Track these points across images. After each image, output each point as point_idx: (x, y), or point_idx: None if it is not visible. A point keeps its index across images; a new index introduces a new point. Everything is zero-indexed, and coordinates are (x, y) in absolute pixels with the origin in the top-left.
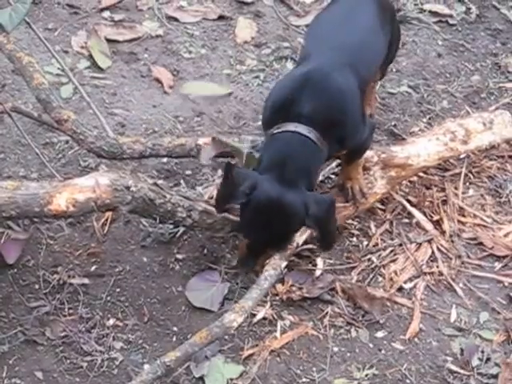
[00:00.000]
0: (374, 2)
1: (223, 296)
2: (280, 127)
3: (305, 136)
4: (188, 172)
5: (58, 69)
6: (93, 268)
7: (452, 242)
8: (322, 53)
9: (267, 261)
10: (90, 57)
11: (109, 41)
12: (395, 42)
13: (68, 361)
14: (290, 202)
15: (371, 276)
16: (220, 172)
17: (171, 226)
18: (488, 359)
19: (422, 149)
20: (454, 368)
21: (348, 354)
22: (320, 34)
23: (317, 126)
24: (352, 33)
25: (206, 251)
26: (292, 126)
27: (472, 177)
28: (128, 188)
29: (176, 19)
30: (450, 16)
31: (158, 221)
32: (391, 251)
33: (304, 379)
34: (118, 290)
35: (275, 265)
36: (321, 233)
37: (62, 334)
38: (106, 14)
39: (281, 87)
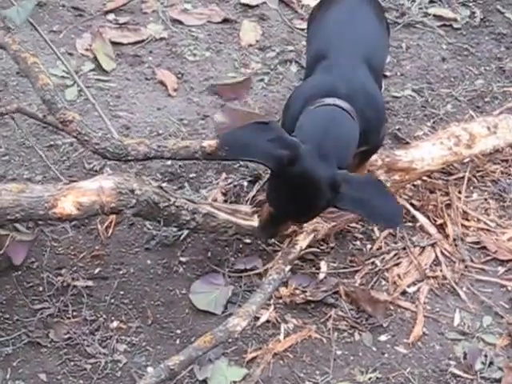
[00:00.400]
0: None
1: (227, 299)
2: (320, 102)
3: (345, 110)
4: (192, 175)
5: (63, 71)
6: (97, 270)
7: (456, 245)
8: (339, 53)
9: (287, 230)
10: (95, 59)
11: (113, 43)
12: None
13: (72, 363)
14: (324, 178)
15: (375, 279)
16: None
17: (175, 229)
18: (491, 363)
19: (426, 153)
20: (457, 372)
21: (351, 358)
22: (331, 34)
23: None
24: (362, 33)
25: (209, 254)
26: (331, 100)
27: (476, 181)
28: (132, 191)
29: (180, 22)
30: (455, 20)
31: (162, 224)
32: (395, 255)
33: (307, 382)
34: (121, 292)
35: (279, 269)
36: (364, 212)
37: (66, 336)
38: (111, 16)
39: (308, 82)
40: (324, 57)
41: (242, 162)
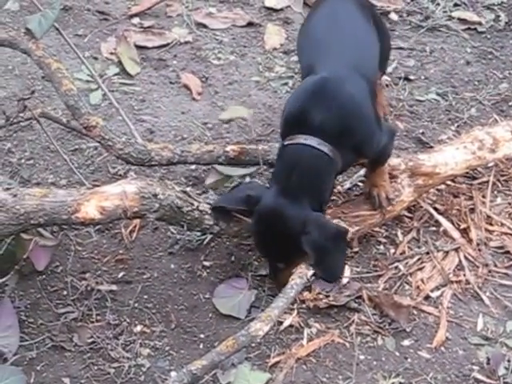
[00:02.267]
0: (353, 3)
1: (250, 303)
2: (291, 139)
3: (316, 148)
4: None
5: (88, 75)
6: (120, 274)
7: (479, 250)
8: (326, 62)
9: (292, 275)
10: (120, 63)
11: (138, 47)
12: (385, 36)
13: (95, 367)
14: (288, 216)
15: (398, 284)
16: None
17: (199, 234)
18: None
19: (450, 157)
20: (480, 377)
21: (374, 363)
22: (316, 45)
23: (329, 136)
24: (345, 35)
25: (233, 258)
26: (302, 139)
27: (500, 185)
28: (155, 196)
29: (205, 26)
30: (479, 23)
31: (185, 228)
32: (418, 259)
33: None
34: (145, 296)
35: (301, 273)
36: (317, 259)
37: (90, 341)
38: (136, 20)
39: (293, 99)
40: (311, 70)
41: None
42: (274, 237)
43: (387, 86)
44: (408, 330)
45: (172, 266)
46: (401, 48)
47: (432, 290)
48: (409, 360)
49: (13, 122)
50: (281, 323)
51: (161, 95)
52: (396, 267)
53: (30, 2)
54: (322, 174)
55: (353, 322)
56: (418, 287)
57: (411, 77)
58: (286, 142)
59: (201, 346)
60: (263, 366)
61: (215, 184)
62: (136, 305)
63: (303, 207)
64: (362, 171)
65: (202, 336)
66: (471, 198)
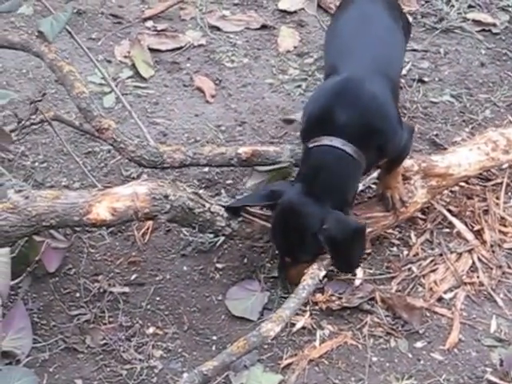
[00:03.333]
0: (383, 3)
1: (263, 305)
2: (316, 141)
3: (340, 150)
4: (229, 181)
5: (101, 78)
6: (133, 276)
7: (493, 252)
8: (349, 62)
9: (301, 274)
10: (133, 66)
11: (151, 50)
12: (407, 34)
13: (108, 369)
14: (305, 213)
15: (411, 286)
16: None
17: (211, 236)
18: None
19: (463, 158)
20: (493, 379)
21: (387, 364)
22: (341, 45)
23: (353, 137)
24: (373, 37)
25: (245, 260)
26: (327, 140)
27: None
28: (167, 197)
29: (218, 28)
30: (494, 25)
31: (197, 230)
32: (431, 261)
33: None
34: (158, 298)
35: (313, 274)
36: (334, 254)
37: (102, 342)
38: (149, 23)
39: (315, 100)
40: (334, 70)
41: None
42: (290, 231)
43: (401, 87)
44: (421, 331)
45: (184, 268)
46: (415, 50)
47: (445, 292)
48: (422, 362)
49: (26, 125)
50: (293, 325)
51: (174, 98)
52: (409, 269)
53: (43, 6)
54: (347, 176)
55: (365, 323)
56: (431, 289)
57: (425, 78)
58: (310, 145)
59: (213, 348)
60: (275, 368)
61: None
62: (148, 307)
63: (324, 206)
64: (375, 173)
65: (214, 338)
66: (485, 199)
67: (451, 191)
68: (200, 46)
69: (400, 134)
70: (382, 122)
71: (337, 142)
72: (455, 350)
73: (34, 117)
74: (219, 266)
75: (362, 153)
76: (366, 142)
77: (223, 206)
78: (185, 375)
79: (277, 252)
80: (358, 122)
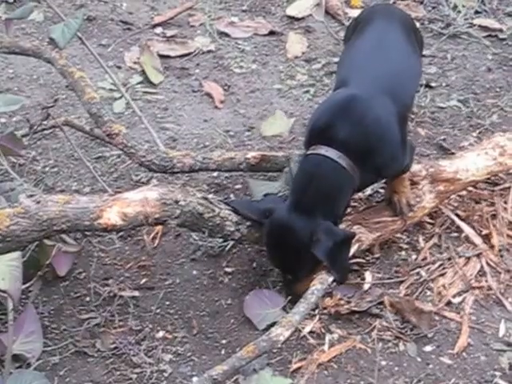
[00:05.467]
0: (399, 23)
1: (274, 321)
2: (313, 149)
3: (335, 161)
4: (238, 186)
5: (111, 84)
6: (143, 281)
7: (501, 256)
8: (360, 80)
9: (306, 286)
10: (143, 72)
11: (161, 56)
12: (420, 50)
13: (118, 372)
14: (295, 229)
15: (420, 290)
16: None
17: (221, 240)
18: None
19: (471, 163)
20: (502, 383)
21: (396, 368)
22: (355, 63)
23: (351, 152)
24: (387, 60)
25: (254, 265)
26: (323, 150)
27: None
28: (177, 202)
29: (227, 35)
30: (500, 30)
31: (206, 234)
32: (440, 265)
33: None
34: (167, 302)
35: (322, 279)
36: (329, 264)
37: (112, 346)
38: (159, 29)
39: (321, 110)
40: (344, 85)
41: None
42: (283, 250)
43: None
44: (430, 335)
45: (194, 272)
46: (422, 55)
47: (454, 296)
48: (430, 366)
49: (36, 130)
50: (302, 329)
51: (183, 103)
52: (417, 273)
53: (54, 12)
54: (338, 188)
55: (374, 327)
56: (439, 293)
57: (433, 84)
58: (308, 152)
59: (222, 352)
60: (285, 372)
61: None
62: (158, 311)
63: (313, 219)
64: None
65: (223, 342)
66: (493, 204)
67: (459, 196)
68: (209, 51)
69: (401, 159)
70: (382, 146)
71: (332, 153)
72: (464, 354)
73: (45, 122)
74: (228, 270)
75: (358, 170)
76: (362, 161)
77: (228, 205)
78: (194, 379)
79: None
80: (358, 140)
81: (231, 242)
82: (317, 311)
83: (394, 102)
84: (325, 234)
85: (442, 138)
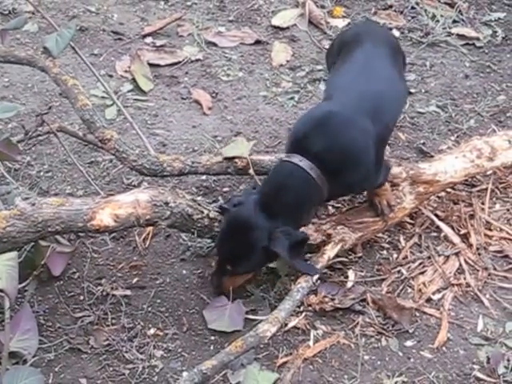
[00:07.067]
0: (386, 46)
1: (243, 313)
2: (288, 157)
3: (306, 171)
4: (226, 189)
5: (103, 92)
6: (135, 280)
7: (479, 254)
8: (343, 99)
9: (234, 284)
10: (133, 80)
11: (151, 65)
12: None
13: (111, 368)
14: (256, 224)
15: (401, 287)
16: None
17: (209, 240)
18: None
19: (449, 165)
20: (480, 376)
21: (378, 362)
22: (342, 83)
23: (323, 166)
24: (372, 82)
25: None
26: (297, 159)
27: (498, 192)
28: (167, 204)
29: (215, 44)
30: (477, 39)
31: (196, 235)
32: (420, 263)
33: None
34: (158, 301)
35: (307, 277)
36: (290, 257)
37: (106, 343)
38: (149, 39)
39: (303, 121)
40: (331, 99)
41: None
42: (237, 239)
43: None
44: (411, 331)
45: (184, 271)
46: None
47: (433, 293)
48: (411, 360)
49: (32, 136)
50: (288, 325)
51: (173, 110)
52: (399, 271)
53: (47, 24)
54: (304, 197)
55: (357, 323)
56: (420, 290)
57: (412, 90)
58: (284, 158)
59: (211, 348)
60: (271, 367)
61: None
62: (149, 309)
63: (274, 221)
64: None
65: (212, 338)
66: (471, 204)
67: (438, 197)
68: (197, 60)
69: (372, 179)
70: (354, 165)
71: (305, 163)
72: (444, 348)
73: (39, 128)
74: None
75: (328, 183)
76: (333, 175)
77: (220, 212)
78: (185, 374)
79: (217, 257)
80: (331, 156)
81: None
82: (302, 308)
83: (375, 123)
84: (283, 234)
85: (422, 141)
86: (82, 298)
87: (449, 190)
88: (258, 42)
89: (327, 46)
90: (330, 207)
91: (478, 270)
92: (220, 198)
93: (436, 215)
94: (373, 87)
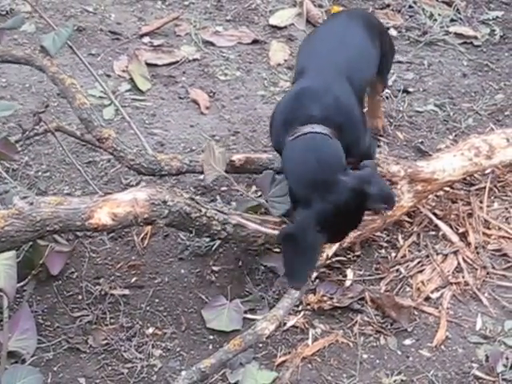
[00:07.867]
0: (361, 20)
1: (241, 312)
2: (296, 132)
3: (324, 134)
4: (224, 188)
5: (101, 92)
6: (133, 279)
7: (477, 253)
8: (317, 68)
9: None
10: (131, 80)
11: (148, 65)
12: (389, 53)
13: (109, 368)
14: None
15: (399, 286)
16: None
17: (207, 240)
18: None
19: (448, 164)
20: (479, 374)
21: (377, 361)
22: (313, 53)
23: (328, 128)
24: (343, 48)
25: (240, 263)
26: (308, 128)
27: (497, 191)
28: (165, 202)
29: (212, 44)
30: (475, 37)
31: (194, 234)
32: (418, 262)
33: None
34: (156, 300)
35: None
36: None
37: (104, 342)
38: (146, 39)
39: (285, 102)
40: (304, 72)
41: None
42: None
43: (387, 98)
44: (409, 329)
45: (182, 271)
46: (400, 62)
47: (432, 292)
48: (410, 358)
49: (29, 136)
50: (287, 324)
51: (170, 110)
52: (397, 270)
53: (45, 24)
54: (336, 154)
55: (356, 322)
56: (418, 289)
57: (410, 89)
58: (290, 137)
59: (210, 347)
60: (270, 366)
61: None
62: (148, 308)
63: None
64: None
65: (211, 337)
66: (469, 203)
67: (436, 195)
68: (194, 60)
69: (363, 135)
70: (349, 121)
71: (318, 127)
72: (442, 346)
73: (37, 127)
74: (215, 268)
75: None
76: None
77: (218, 211)
78: (183, 373)
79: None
80: (330, 117)
81: (218, 242)
82: (300, 307)
83: (350, 83)
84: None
85: (420, 140)
86: (80, 297)
87: (447, 188)
88: (255, 42)
89: None
90: None
91: (476, 269)
92: (218, 197)
93: (434, 214)
94: (344, 52)
